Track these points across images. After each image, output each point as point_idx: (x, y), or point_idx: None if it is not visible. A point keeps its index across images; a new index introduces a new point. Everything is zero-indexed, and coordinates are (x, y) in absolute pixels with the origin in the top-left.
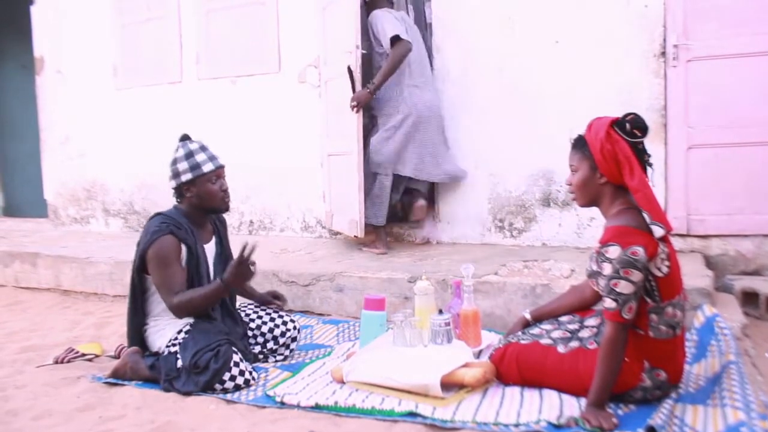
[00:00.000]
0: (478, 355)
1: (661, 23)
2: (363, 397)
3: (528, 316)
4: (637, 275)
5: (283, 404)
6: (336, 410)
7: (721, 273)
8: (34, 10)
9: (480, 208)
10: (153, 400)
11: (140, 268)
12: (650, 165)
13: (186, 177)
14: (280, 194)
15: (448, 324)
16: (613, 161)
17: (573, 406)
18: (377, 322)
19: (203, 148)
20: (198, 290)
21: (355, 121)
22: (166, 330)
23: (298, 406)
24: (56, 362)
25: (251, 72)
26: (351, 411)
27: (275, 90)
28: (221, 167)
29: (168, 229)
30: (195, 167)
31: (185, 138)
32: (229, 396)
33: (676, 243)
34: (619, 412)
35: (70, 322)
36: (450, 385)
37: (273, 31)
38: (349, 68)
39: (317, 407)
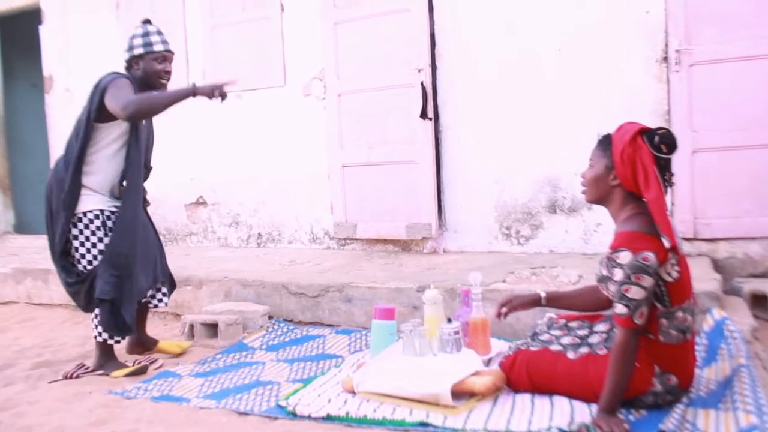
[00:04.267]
0: (488, 363)
1: (663, 29)
2: (374, 408)
3: (542, 294)
4: (648, 281)
5: (294, 415)
6: (347, 421)
7: (729, 276)
8: (43, 30)
9: (486, 216)
10: (166, 414)
11: (98, 107)
12: (670, 183)
13: (138, 51)
14: (288, 206)
15: (457, 332)
16: (630, 166)
17: (584, 413)
18: (388, 331)
19: (159, 33)
20: (159, 92)
21: (429, 132)
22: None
23: (309, 417)
24: (66, 377)
25: (257, 86)
26: (362, 422)
27: (281, 103)
28: (170, 52)
29: (126, 75)
30: (147, 45)
31: (147, 21)
32: (242, 407)
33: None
34: (631, 417)
35: (82, 337)
36: (460, 393)
37: (278, 46)
38: (422, 84)
39: (329, 418)
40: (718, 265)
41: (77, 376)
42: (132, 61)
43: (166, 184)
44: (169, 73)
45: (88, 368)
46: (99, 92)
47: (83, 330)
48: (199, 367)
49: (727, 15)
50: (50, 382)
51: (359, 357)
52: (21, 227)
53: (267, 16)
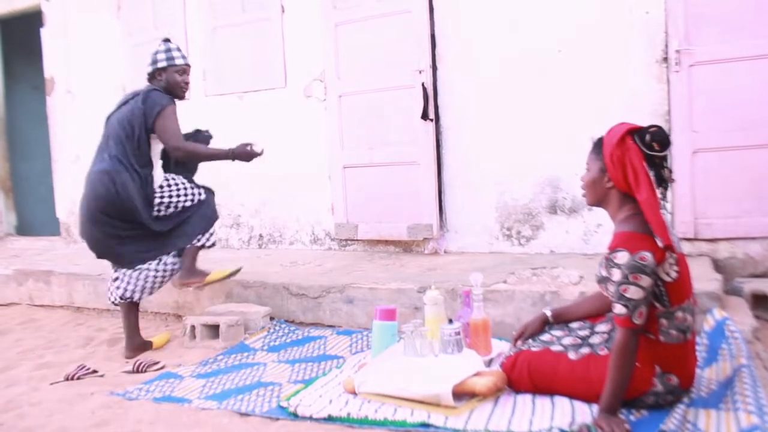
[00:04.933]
0: (489, 363)
1: (663, 29)
2: (375, 408)
3: (548, 314)
4: (646, 280)
5: (296, 416)
6: (349, 422)
7: (729, 276)
8: (45, 33)
9: (487, 217)
10: (167, 415)
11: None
12: (670, 181)
13: (162, 64)
14: (289, 208)
15: (458, 333)
16: (620, 168)
17: (585, 413)
18: (389, 332)
19: (178, 49)
20: (206, 147)
21: (429, 133)
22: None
23: (311, 418)
24: (67, 379)
25: (258, 87)
26: (364, 422)
27: (282, 105)
28: (188, 65)
29: (164, 94)
30: (170, 59)
31: (167, 40)
32: (243, 408)
33: (684, 247)
34: (632, 417)
35: (84, 338)
36: (461, 394)
37: (279, 47)
38: (423, 85)
39: (330, 419)
40: (718, 265)
41: (79, 378)
42: (156, 73)
43: None
44: (187, 83)
45: (89, 369)
46: (153, 113)
47: (84, 331)
48: (200, 368)
49: (727, 15)
50: (52, 384)
51: (360, 358)
52: (22, 229)
53: (267, 17)
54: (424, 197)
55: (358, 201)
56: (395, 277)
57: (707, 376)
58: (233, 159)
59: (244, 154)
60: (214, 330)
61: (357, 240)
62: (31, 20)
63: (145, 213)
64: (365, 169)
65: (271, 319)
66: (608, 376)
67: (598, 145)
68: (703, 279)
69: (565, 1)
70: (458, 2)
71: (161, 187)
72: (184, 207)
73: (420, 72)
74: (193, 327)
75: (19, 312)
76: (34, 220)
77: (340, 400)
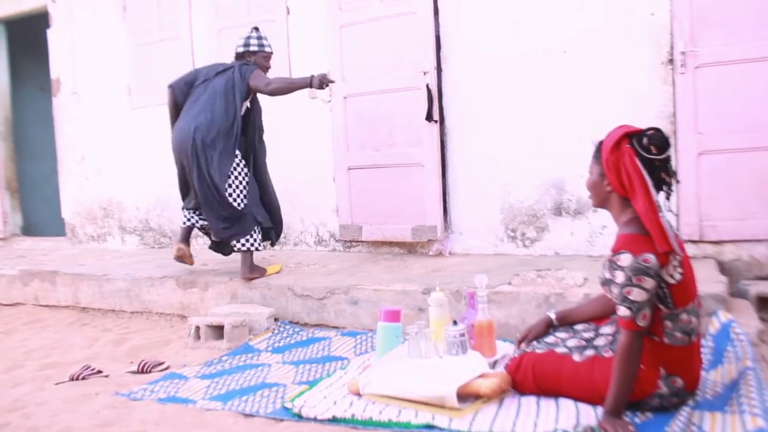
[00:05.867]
0: (494, 365)
1: (668, 31)
2: (379, 410)
3: (552, 316)
4: (649, 282)
5: (300, 417)
6: (353, 423)
7: (735, 278)
8: (51, 34)
9: (492, 219)
10: (172, 416)
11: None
12: (673, 183)
13: (253, 48)
14: (294, 209)
15: (462, 335)
16: (615, 173)
17: (590, 415)
18: (394, 333)
19: (266, 38)
20: (288, 78)
21: (434, 135)
22: None
23: (315, 419)
24: (72, 379)
25: None
26: (368, 424)
27: (286, 106)
28: (272, 53)
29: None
30: (261, 45)
31: (256, 29)
32: (248, 409)
33: (689, 249)
34: (636, 420)
35: (89, 338)
36: (466, 395)
37: (283, 48)
38: (427, 86)
39: (334, 420)
40: (724, 268)
41: (84, 378)
42: (246, 54)
43: (173, 187)
44: (269, 68)
45: (94, 369)
46: (247, 74)
47: (90, 331)
48: (205, 369)
49: (732, 17)
50: (57, 384)
51: (365, 359)
52: (28, 229)
53: (273, 18)
54: (428, 199)
55: (362, 202)
56: (400, 279)
57: (712, 378)
58: (310, 86)
59: (317, 80)
60: (218, 331)
61: (361, 241)
62: (38, 21)
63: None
64: (370, 170)
65: (276, 320)
66: (613, 379)
67: (599, 148)
68: (709, 281)
69: (570, 2)
70: (463, 4)
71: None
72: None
73: (425, 73)
74: (197, 328)
75: (25, 312)
76: (40, 220)
77: (344, 401)
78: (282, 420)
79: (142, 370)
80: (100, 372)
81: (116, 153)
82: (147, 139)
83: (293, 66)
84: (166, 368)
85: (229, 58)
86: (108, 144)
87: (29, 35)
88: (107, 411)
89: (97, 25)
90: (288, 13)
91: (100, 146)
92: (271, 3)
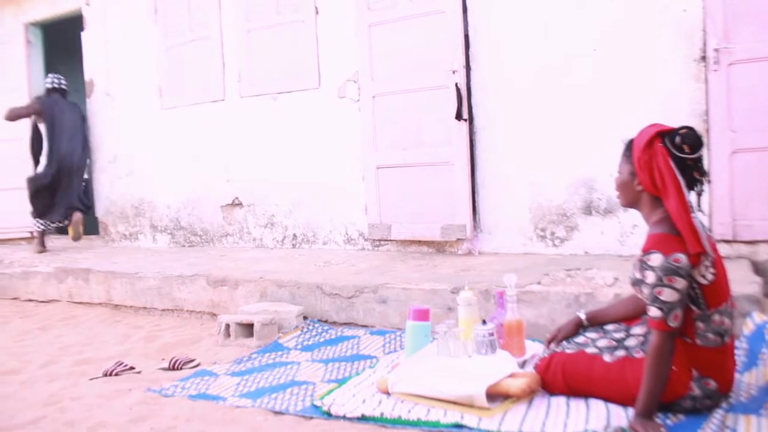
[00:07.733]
0: (523, 365)
1: (701, 27)
2: (408, 408)
3: (582, 316)
4: (680, 282)
5: (329, 415)
6: (382, 421)
7: None
8: (85, 36)
9: (521, 218)
10: (203, 412)
11: None
12: (705, 182)
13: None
14: (323, 208)
15: (492, 334)
16: (647, 173)
17: (620, 417)
18: (422, 332)
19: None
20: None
21: (463, 133)
22: None
23: (344, 417)
24: (105, 375)
25: (291, 88)
26: (397, 422)
27: (315, 105)
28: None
29: None
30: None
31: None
32: (277, 407)
33: (722, 249)
34: (668, 422)
35: (122, 335)
36: (495, 395)
37: (312, 48)
38: (456, 85)
39: (363, 418)
40: (758, 268)
41: (116, 374)
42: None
43: (203, 186)
44: None
45: (126, 366)
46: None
47: (122, 328)
48: (235, 366)
49: (766, 12)
50: (91, 379)
51: (394, 358)
52: (63, 228)
53: (302, 19)
54: (457, 198)
55: (391, 201)
56: (428, 278)
57: (747, 380)
58: None
59: None
60: (248, 329)
61: (390, 240)
62: (73, 24)
63: None
64: (399, 169)
65: (305, 318)
66: (644, 380)
67: (629, 147)
68: (743, 282)
69: None
70: (492, 2)
71: None
72: None
73: (453, 72)
74: (227, 325)
75: (60, 309)
76: None
77: (373, 399)
78: (311, 418)
79: (174, 367)
80: (132, 368)
81: (147, 153)
82: (177, 139)
83: (322, 65)
84: (197, 365)
85: (259, 60)
86: (139, 144)
87: (64, 38)
88: (139, 407)
89: (129, 27)
90: (317, 13)
91: (132, 146)
92: (300, 3)
